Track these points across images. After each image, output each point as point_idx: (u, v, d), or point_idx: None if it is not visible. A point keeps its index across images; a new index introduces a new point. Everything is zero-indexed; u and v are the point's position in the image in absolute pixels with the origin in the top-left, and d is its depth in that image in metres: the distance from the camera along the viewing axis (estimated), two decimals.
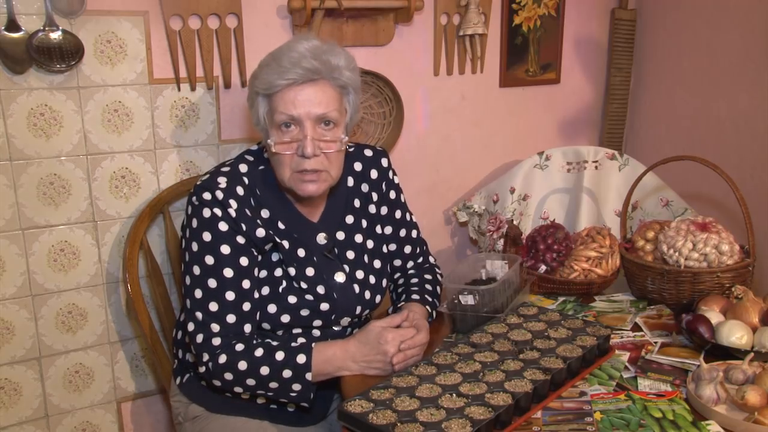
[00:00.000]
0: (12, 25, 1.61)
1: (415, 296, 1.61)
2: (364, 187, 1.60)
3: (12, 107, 1.67)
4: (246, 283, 1.41)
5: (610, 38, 2.51)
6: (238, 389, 1.42)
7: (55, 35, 1.64)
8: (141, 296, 1.78)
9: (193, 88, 1.86)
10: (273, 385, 1.39)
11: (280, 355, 1.38)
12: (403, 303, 1.60)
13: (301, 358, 1.38)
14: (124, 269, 1.77)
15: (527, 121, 2.44)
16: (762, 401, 1.21)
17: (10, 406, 1.81)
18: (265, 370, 1.37)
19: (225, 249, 1.39)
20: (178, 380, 1.59)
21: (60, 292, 1.82)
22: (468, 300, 1.54)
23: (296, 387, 1.38)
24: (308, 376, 1.37)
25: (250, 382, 1.39)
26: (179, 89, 1.85)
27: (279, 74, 1.36)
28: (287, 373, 1.37)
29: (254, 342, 1.42)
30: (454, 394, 1.24)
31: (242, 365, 1.38)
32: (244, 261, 1.41)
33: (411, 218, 1.71)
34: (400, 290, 1.67)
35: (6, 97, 1.66)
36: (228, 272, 1.40)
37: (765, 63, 2.07)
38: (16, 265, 1.75)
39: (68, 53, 1.66)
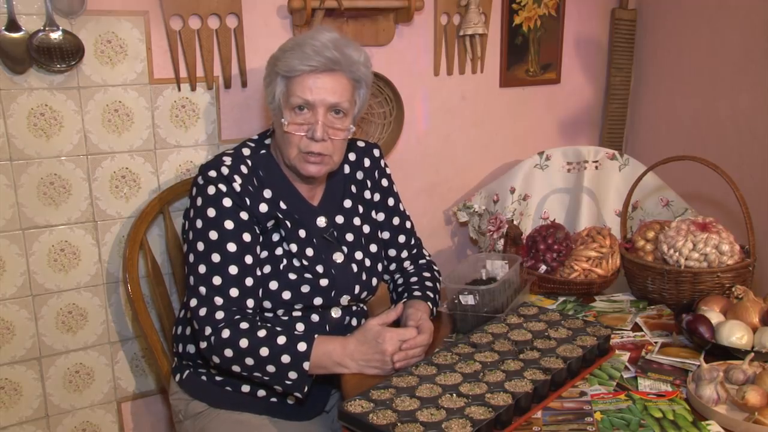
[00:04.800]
0: (12, 25, 1.61)
1: (417, 293, 1.62)
2: (359, 175, 1.65)
3: (12, 107, 1.67)
4: (248, 259, 1.45)
5: (611, 38, 2.51)
6: (235, 368, 1.42)
7: (56, 35, 1.64)
8: (141, 296, 1.78)
9: (193, 88, 1.86)
10: (270, 368, 1.39)
11: (281, 339, 1.39)
12: (405, 301, 1.61)
13: (301, 346, 1.39)
14: (124, 269, 1.77)
15: (527, 121, 2.44)
16: (762, 401, 1.21)
17: (10, 406, 1.81)
18: (264, 352, 1.38)
19: (229, 224, 1.43)
20: (177, 377, 1.60)
21: (60, 292, 1.82)
22: (468, 300, 1.55)
23: (292, 375, 1.38)
24: (306, 365, 1.38)
25: (249, 361, 1.40)
26: (179, 89, 1.85)
27: (301, 60, 1.43)
28: (286, 359, 1.38)
29: (258, 323, 1.43)
30: (455, 394, 1.24)
31: (243, 343, 1.39)
32: (246, 237, 1.45)
33: (404, 209, 1.74)
34: (400, 289, 1.68)
35: (6, 97, 1.66)
36: (231, 247, 1.43)
37: (765, 63, 2.07)
38: (17, 265, 1.75)
39: (68, 53, 1.66)
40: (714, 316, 1.50)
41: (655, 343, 1.53)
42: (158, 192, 1.86)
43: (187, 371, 1.58)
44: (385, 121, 2.12)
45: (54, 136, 1.73)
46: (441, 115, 2.27)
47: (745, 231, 1.67)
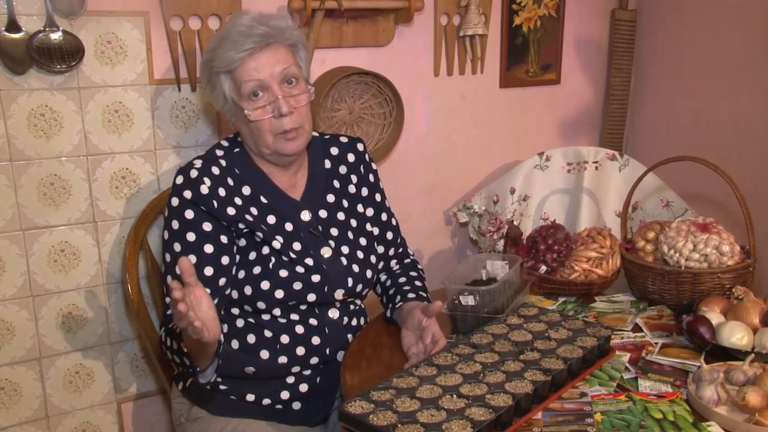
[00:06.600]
0: (12, 26, 1.61)
1: (411, 295, 1.61)
2: (342, 169, 1.64)
3: (12, 108, 1.67)
4: (208, 270, 1.43)
5: (611, 39, 2.51)
6: (179, 365, 1.41)
7: (56, 36, 1.64)
8: (141, 297, 1.78)
9: (193, 89, 1.86)
10: (176, 359, 1.37)
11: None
12: (400, 304, 1.60)
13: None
14: (124, 270, 1.77)
15: (527, 121, 2.44)
16: (763, 402, 1.20)
17: (10, 406, 1.81)
18: (169, 340, 1.37)
19: (190, 236, 1.43)
20: (180, 385, 1.59)
21: (60, 292, 1.82)
22: (468, 300, 1.54)
23: (187, 360, 1.34)
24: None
25: (173, 355, 1.38)
26: (179, 90, 1.85)
27: (235, 48, 1.41)
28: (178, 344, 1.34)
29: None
30: (455, 395, 1.24)
31: (163, 336, 1.40)
32: (208, 248, 1.43)
33: (389, 206, 1.74)
34: (390, 292, 1.67)
35: (6, 97, 1.66)
36: (192, 258, 1.42)
37: (765, 63, 2.07)
38: (17, 265, 1.75)
39: (68, 54, 1.66)
40: (714, 316, 1.50)
41: (656, 343, 1.53)
42: (158, 192, 1.86)
43: (190, 380, 1.57)
44: (385, 122, 2.12)
45: (54, 136, 1.73)
46: (441, 115, 2.27)
47: (745, 231, 1.66)
